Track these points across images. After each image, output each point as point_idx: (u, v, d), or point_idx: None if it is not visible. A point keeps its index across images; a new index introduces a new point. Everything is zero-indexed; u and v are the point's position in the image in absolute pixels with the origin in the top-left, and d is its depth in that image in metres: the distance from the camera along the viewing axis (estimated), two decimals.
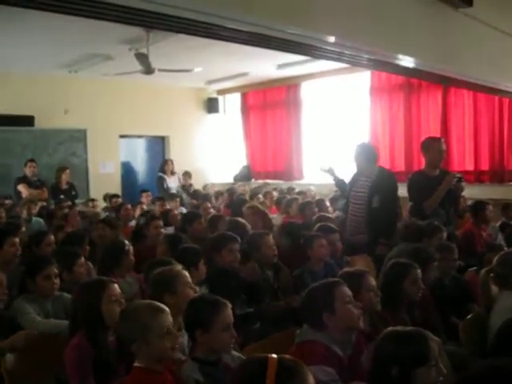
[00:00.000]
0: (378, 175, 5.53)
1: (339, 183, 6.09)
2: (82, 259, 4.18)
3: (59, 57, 9.11)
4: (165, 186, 10.72)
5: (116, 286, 3.02)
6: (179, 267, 3.37)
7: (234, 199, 8.56)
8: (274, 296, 4.41)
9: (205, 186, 11.76)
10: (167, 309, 2.50)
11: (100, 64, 9.41)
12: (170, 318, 2.48)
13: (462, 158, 9.45)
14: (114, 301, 2.92)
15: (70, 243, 4.72)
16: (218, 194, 10.07)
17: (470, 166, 9.35)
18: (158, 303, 2.52)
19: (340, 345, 2.68)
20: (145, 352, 2.37)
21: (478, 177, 9.25)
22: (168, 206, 8.37)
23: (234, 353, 2.74)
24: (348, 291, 2.78)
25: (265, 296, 4.27)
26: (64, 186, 9.67)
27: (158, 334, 2.37)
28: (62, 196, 9.23)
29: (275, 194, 9.38)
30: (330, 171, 6.03)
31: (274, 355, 1.68)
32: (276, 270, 4.60)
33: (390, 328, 2.35)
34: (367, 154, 5.65)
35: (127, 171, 12.42)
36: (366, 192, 5.49)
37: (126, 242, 4.47)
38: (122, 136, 12.00)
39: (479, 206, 6.35)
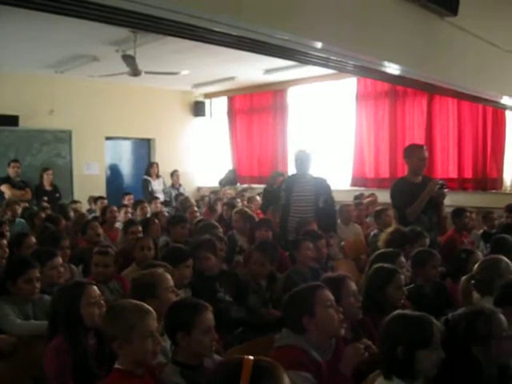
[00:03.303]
0: (315, 179, 6.18)
1: None
2: (57, 261, 4.06)
3: (45, 57, 9.05)
4: (149, 188, 10.72)
5: (95, 287, 3.00)
6: (161, 270, 3.36)
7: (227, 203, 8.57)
8: (264, 305, 4.40)
9: (199, 189, 11.77)
10: (154, 312, 2.50)
11: (86, 65, 9.36)
12: (156, 323, 2.47)
13: (446, 166, 9.53)
14: (93, 303, 2.91)
15: (46, 244, 4.66)
16: (203, 198, 10.09)
17: (453, 174, 9.42)
18: (146, 305, 2.51)
19: (319, 350, 2.68)
20: (126, 352, 2.36)
21: (461, 184, 9.33)
22: (149, 209, 8.35)
23: (216, 356, 2.73)
24: (329, 295, 2.79)
25: (246, 299, 4.26)
26: (48, 188, 9.61)
27: (142, 336, 2.37)
28: (45, 198, 9.16)
29: (258, 198, 9.39)
30: None
31: (250, 356, 1.68)
32: (270, 280, 4.59)
33: (398, 311, 2.50)
34: (308, 161, 6.17)
35: (112, 173, 12.37)
36: (312, 195, 6.05)
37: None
38: (107, 138, 11.94)
39: (458, 213, 6.41)
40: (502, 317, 2.56)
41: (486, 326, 2.48)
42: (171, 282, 3.26)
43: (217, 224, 5.85)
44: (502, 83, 6.59)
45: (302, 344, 2.65)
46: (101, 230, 5.95)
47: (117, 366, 2.36)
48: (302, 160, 6.18)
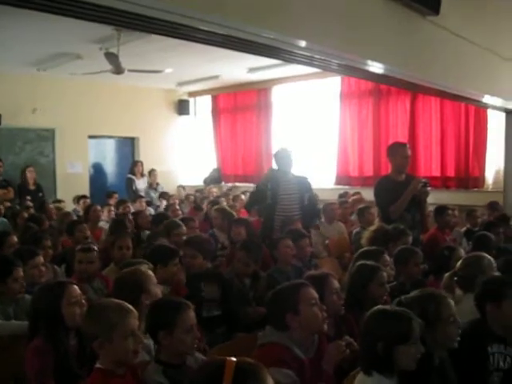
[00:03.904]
0: (297, 177, 6.20)
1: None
2: (38, 259, 4.04)
3: (27, 54, 8.96)
4: (133, 187, 10.66)
5: (76, 287, 2.98)
6: (144, 268, 3.36)
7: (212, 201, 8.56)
8: (248, 304, 4.38)
9: (183, 188, 11.74)
10: (135, 311, 2.49)
11: (70, 63, 9.28)
12: (137, 322, 2.46)
13: (429, 164, 9.60)
14: (74, 302, 2.89)
15: (28, 243, 4.64)
16: (187, 197, 10.06)
17: (436, 172, 9.50)
18: (127, 304, 2.50)
19: (302, 347, 2.69)
20: (107, 352, 2.35)
21: (444, 183, 9.41)
22: (132, 208, 8.32)
23: (199, 355, 2.73)
24: (314, 293, 2.80)
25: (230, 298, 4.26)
26: (31, 187, 9.53)
27: (123, 335, 2.36)
28: (28, 197, 9.08)
29: (243, 197, 9.40)
30: None
31: (233, 358, 1.68)
32: (254, 279, 4.58)
33: (378, 306, 2.55)
34: (291, 159, 6.16)
35: (96, 172, 12.30)
36: (297, 193, 6.08)
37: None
38: (91, 136, 11.87)
39: (440, 211, 6.46)
40: (452, 302, 2.69)
41: (436, 309, 2.60)
42: (155, 280, 3.27)
43: (181, 223, 5.78)
44: (483, 82, 6.66)
45: (285, 341, 2.66)
46: (88, 233, 5.94)
47: (98, 365, 2.35)
48: (284, 158, 6.16)
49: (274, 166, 6.35)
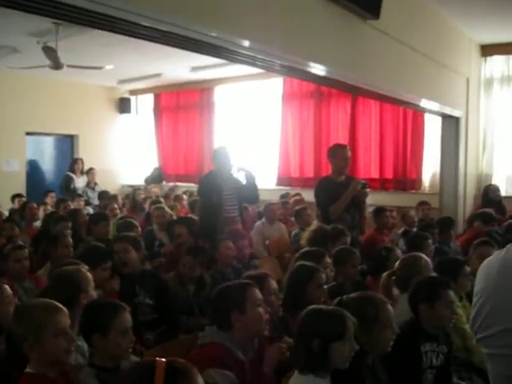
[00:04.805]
0: (234, 177, 6.02)
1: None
2: None
3: None
4: (72, 186, 10.34)
5: (7, 287, 2.89)
6: (84, 269, 3.28)
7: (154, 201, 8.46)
8: (190, 313, 4.31)
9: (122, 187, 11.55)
10: (64, 309, 2.42)
11: (6, 56, 8.98)
12: (68, 320, 2.39)
13: (368, 166, 9.77)
14: (8, 302, 2.79)
15: None
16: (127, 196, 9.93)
17: (375, 174, 9.68)
18: (56, 302, 2.43)
19: (242, 348, 2.68)
20: (37, 353, 2.28)
21: (382, 184, 9.60)
22: (72, 207, 8.14)
23: (134, 358, 2.67)
24: (259, 295, 2.78)
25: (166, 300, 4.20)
26: None
27: (53, 334, 2.29)
28: None
29: (185, 197, 9.34)
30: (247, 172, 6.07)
31: (163, 359, 1.66)
32: (199, 285, 4.50)
33: (313, 305, 2.57)
34: (230, 157, 6.00)
35: (33, 170, 11.93)
36: (235, 194, 5.93)
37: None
38: (28, 133, 11.52)
39: (378, 212, 6.59)
40: (391, 308, 2.75)
41: (375, 311, 2.65)
42: (93, 282, 3.22)
43: (137, 224, 5.71)
44: (421, 86, 6.81)
45: (225, 341, 2.64)
46: (17, 231, 5.76)
47: (27, 370, 2.27)
48: (224, 156, 6.01)
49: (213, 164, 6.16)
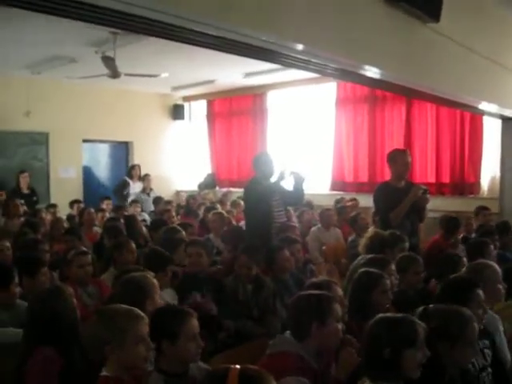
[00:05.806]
0: (276, 182, 5.88)
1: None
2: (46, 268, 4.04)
3: (21, 57, 8.89)
4: (125, 191, 10.48)
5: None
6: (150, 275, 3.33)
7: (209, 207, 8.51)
8: (249, 317, 4.31)
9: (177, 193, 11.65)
10: (146, 317, 2.46)
11: (64, 66, 9.22)
12: (147, 328, 2.43)
13: (424, 170, 9.58)
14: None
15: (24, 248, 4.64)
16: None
17: (431, 179, 9.48)
18: (137, 310, 2.47)
19: (315, 357, 2.65)
20: (117, 357, 2.31)
21: (439, 189, 9.38)
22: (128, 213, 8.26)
23: (202, 364, 2.68)
24: (340, 310, 2.78)
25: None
26: (25, 191, 9.48)
27: (134, 340, 2.33)
28: (22, 201, 9.00)
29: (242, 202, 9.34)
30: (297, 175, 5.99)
31: (237, 366, 1.64)
32: (257, 286, 4.49)
33: (381, 314, 2.53)
34: (273, 164, 5.95)
35: (89, 176, 12.19)
36: (281, 199, 5.82)
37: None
38: (84, 140, 11.79)
39: (453, 223, 6.42)
40: (477, 326, 2.65)
41: (460, 328, 2.57)
42: (158, 289, 3.26)
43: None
44: (480, 89, 6.64)
45: (301, 350, 2.62)
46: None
47: (104, 373, 2.30)
48: (269, 162, 5.96)
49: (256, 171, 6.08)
